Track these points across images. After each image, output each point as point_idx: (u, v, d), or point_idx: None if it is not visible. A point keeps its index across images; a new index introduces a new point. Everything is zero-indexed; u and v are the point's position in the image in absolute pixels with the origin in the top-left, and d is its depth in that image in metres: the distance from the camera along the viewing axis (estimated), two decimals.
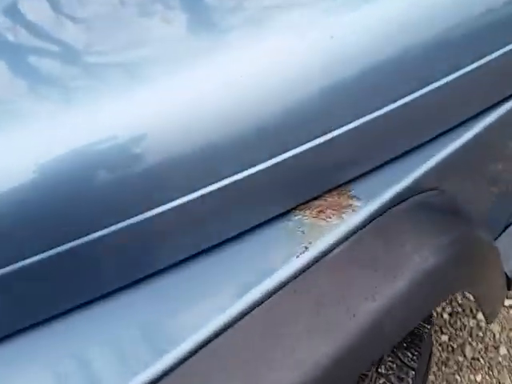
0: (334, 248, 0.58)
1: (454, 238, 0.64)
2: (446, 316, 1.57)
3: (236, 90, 0.52)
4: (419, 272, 0.58)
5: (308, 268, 0.56)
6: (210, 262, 0.58)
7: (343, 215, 0.60)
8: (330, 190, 0.63)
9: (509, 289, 1.09)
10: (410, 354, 0.83)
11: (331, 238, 0.58)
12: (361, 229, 0.60)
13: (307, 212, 0.60)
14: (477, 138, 0.71)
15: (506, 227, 1.06)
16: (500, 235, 1.03)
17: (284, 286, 0.55)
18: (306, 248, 0.57)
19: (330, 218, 0.60)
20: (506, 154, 0.85)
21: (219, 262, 0.58)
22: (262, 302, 0.54)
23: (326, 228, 0.59)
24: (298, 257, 0.56)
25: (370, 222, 0.61)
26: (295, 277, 0.55)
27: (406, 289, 0.57)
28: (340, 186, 0.63)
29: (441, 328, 1.57)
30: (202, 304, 0.54)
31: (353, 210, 0.61)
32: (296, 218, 0.60)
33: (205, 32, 0.57)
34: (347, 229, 0.59)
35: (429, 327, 0.85)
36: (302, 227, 0.59)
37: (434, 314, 1.59)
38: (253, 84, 0.52)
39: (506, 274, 1.02)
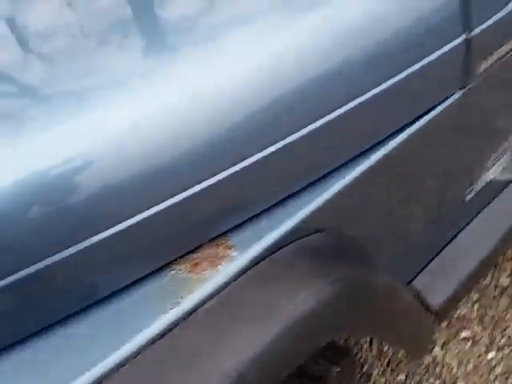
0: (205, 302, 0.57)
1: (334, 281, 0.63)
2: (400, 354, 1.54)
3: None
4: (292, 319, 0.57)
5: (178, 325, 0.55)
6: (85, 323, 0.57)
7: (219, 267, 0.59)
8: (208, 242, 0.62)
9: (439, 322, 1.07)
10: None
11: (203, 291, 0.57)
12: (235, 279, 0.59)
13: (182, 266, 0.60)
14: (363, 176, 0.70)
15: (427, 264, 1.05)
16: (419, 274, 1.02)
17: (152, 343, 0.54)
18: (178, 303, 0.56)
19: (205, 270, 0.59)
20: (408, 192, 0.85)
21: (93, 322, 0.56)
22: (127, 362, 0.52)
23: (200, 282, 0.58)
24: (167, 313, 0.55)
25: (246, 271, 0.60)
26: (163, 334, 0.54)
27: (276, 338, 0.55)
28: (219, 236, 0.63)
29: (397, 365, 1.54)
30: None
31: (229, 261, 0.60)
32: (171, 273, 0.59)
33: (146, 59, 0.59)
34: (221, 281, 0.58)
35: (338, 369, 0.83)
36: (176, 282, 0.58)
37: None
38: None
39: (431, 308, 1.01)
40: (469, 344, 1.57)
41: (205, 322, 0.55)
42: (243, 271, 0.59)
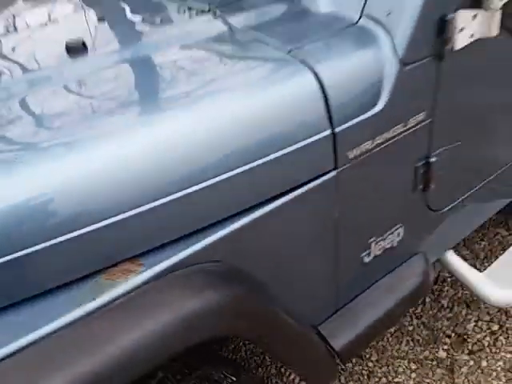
0: (114, 301, 0.81)
1: (220, 294, 0.86)
2: None
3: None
4: (177, 314, 0.80)
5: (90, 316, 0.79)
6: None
7: (128, 277, 0.84)
8: (125, 260, 0.87)
9: (343, 363, 1.26)
10: None
11: (113, 293, 0.81)
12: (139, 287, 0.83)
13: (103, 275, 0.85)
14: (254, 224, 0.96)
15: (337, 310, 1.27)
16: (327, 320, 1.23)
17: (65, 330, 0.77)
18: (94, 299, 0.81)
19: (118, 279, 0.84)
20: (300, 247, 1.10)
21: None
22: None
23: (112, 286, 0.82)
24: (80, 307, 0.79)
25: (149, 282, 0.84)
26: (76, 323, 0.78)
27: (162, 327, 0.79)
28: (134, 256, 0.88)
29: None
30: None
31: (136, 274, 0.85)
32: (94, 279, 0.84)
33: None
34: (127, 287, 0.83)
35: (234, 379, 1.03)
36: (96, 286, 0.83)
37: None
38: None
39: (334, 349, 1.21)
40: None
41: (107, 316, 0.79)
42: (147, 282, 0.84)
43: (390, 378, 1.81)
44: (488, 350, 1.88)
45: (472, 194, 1.52)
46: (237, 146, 0.92)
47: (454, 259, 1.61)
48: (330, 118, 1.02)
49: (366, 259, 1.27)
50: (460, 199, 1.48)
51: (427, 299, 2.08)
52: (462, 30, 1.14)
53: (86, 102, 0.95)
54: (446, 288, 2.12)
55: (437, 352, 1.89)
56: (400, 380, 1.80)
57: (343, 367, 1.80)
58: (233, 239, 0.94)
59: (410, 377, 1.81)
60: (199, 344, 0.85)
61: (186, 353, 0.85)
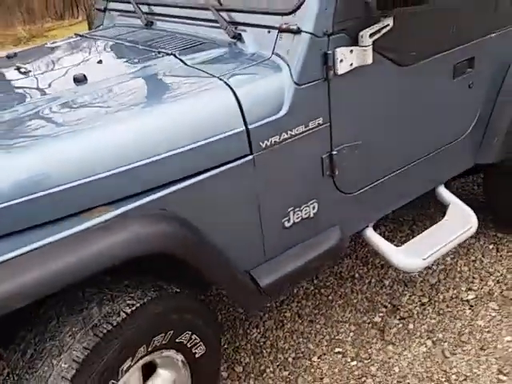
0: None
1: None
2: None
3: None
4: None
5: None
6: None
7: (100, 214, 1.33)
8: (101, 205, 1.36)
9: (268, 296, 1.71)
10: None
11: (86, 224, 1.31)
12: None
13: (83, 213, 1.33)
14: None
15: (266, 261, 1.73)
16: (260, 265, 1.70)
17: None
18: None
19: (92, 215, 1.33)
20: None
21: None
22: None
23: (88, 219, 1.31)
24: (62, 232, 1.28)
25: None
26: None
27: None
28: (108, 203, 1.37)
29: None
30: None
31: (106, 213, 1.34)
32: (77, 216, 1.32)
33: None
34: (98, 220, 1.32)
35: None
36: (77, 220, 1.32)
37: None
38: None
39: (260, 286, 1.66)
40: (340, 356, 2.13)
41: (76, 235, 1.29)
42: (114, 217, 1.33)
43: (333, 336, 2.22)
44: (416, 316, 2.29)
45: (381, 183, 1.98)
46: (180, 133, 1.43)
47: (371, 234, 2.06)
48: (244, 119, 1.52)
49: (287, 224, 1.74)
50: (368, 186, 1.94)
51: (372, 279, 2.51)
52: (341, 61, 1.64)
53: (81, 109, 1.50)
54: (390, 271, 2.54)
55: (373, 318, 2.30)
56: (340, 337, 2.22)
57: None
58: (176, 196, 1.43)
59: (348, 335, 2.22)
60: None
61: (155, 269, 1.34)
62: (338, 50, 1.62)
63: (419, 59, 1.90)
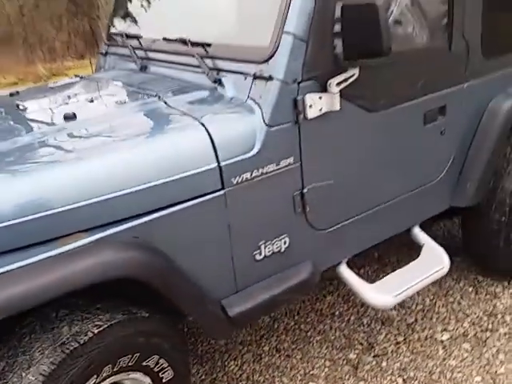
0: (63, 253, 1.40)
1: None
2: None
3: None
4: None
5: None
6: None
7: (76, 241, 1.43)
8: (77, 231, 1.47)
9: (236, 327, 1.77)
10: None
11: (63, 248, 1.41)
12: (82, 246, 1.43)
13: (60, 239, 1.44)
14: None
15: (237, 292, 1.81)
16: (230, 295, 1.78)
17: None
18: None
19: (69, 241, 1.43)
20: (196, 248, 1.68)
21: None
22: None
23: (63, 244, 1.42)
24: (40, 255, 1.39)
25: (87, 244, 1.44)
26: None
27: None
28: (83, 230, 1.47)
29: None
30: None
31: (82, 239, 1.44)
32: (56, 241, 1.43)
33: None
34: (73, 246, 1.42)
35: None
36: (55, 244, 1.42)
37: None
38: None
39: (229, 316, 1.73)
40: None
41: (51, 259, 1.39)
42: (88, 243, 1.43)
43: (308, 371, 2.26)
44: (390, 354, 2.32)
45: (354, 221, 2.06)
46: (155, 168, 1.55)
47: (344, 270, 2.13)
48: (217, 156, 1.63)
49: (258, 257, 1.82)
50: (341, 224, 2.03)
51: (352, 317, 2.56)
52: (311, 106, 1.76)
53: (66, 144, 1.63)
54: (369, 310, 2.59)
55: (348, 354, 2.34)
56: (315, 373, 2.25)
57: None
58: (150, 226, 1.53)
59: (322, 371, 2.26)
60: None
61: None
62: (307, 96, 1.75)
63: (388, 106, 2.02)
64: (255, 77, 1.76)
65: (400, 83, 2.04)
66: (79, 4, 13.77)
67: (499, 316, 2.51)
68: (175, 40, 2.08)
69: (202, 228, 1.66)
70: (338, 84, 1.78)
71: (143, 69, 2.24)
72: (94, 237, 1.45)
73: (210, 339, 2.46)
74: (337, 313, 2.61)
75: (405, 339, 2.40)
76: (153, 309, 1.60)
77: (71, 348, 1.35)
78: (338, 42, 1.76)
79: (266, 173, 1.75)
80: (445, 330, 2.45)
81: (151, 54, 2.25)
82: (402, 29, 2.00)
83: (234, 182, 1.68)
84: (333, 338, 2.44)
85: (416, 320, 2.52)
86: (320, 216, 1.95)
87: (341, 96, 1.82)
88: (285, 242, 1.88)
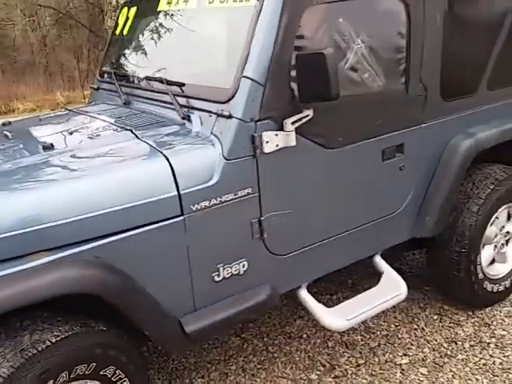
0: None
1: None
2: None
3: None
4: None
5: None
6: None
7: (40, 258, 1.58)
8: (41, 250, 1.61)
9: (192, 342, 1.89)
10: None
11: (29, 264, 1.55)
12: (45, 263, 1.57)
13: (27, 256, 1.59)
14: None
15: (196, 310, 1.93)
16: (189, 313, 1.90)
17: None
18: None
19: (34, 259, 1.58)
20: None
21: None
22: None
23: (29, 261, 1.56)
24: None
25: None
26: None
27: None
28: (47, 249, 1.62)
29: None
30: None
31: (45, 257, 1.59)
32: (22, 258, 1.58)
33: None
34: (38, 263, 1.57)
35: None
36: (21, 261, 1.57)
37: None
38: None
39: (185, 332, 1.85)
40: None
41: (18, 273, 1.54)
42: (51, 261, 1.58)
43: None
44: (349, 376, 2.41)
45: (313, 248, 2.19)
46: (117, 194, 1.70)
47: (304, 294, 2.25)
48: (177, 185, 1.78)
49: (217, 278, 1.95)
50: (300, 250, 2.15)
51: (318, 340, 2.65)
52: (267, 142, 1.92)
53: (40, 171, 1.82)
54: (335, 334, 2.68)
55: (310, 375, 2.43)
56: None
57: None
58: (111, 247, 1.68)
59: None
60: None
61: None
62: (264, 133, 1.91)
63: (347, 143, 2.16)
64: (218, 115, 1.92)
65: (357, 123, 2.19)
66: (100, 35, 14.26)
67: (459, 343, 2.59)
68: (154, 79, 2.27)
69: (161, 250, 1.81)
70: (293, 123, 1.94)
71: (127, 104, 2.42)
72: (56, 255, 1.60)
73: (180, 357, 2.57)
74: (304, 336, 2.70)
75: (365, 362, 2.49)
76: (113, 324, 1.74)
77: (30, 354, 1.49)
78: (295, 86, 1.92)
79: (225, 201, 1.89)
80: (405, 354, 2.53)
81: (134, 91, 2.44)
82: (359, 74, 2.15)
83: (194, 209, 1.83)
84: (298, 359, 2.54)
85: (379, 344, 2.61)
86: (278, 242, 2.08)
87: (298, 133, 1.98)
88: (243, 266, 2.01)
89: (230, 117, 1.88)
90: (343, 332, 2.70)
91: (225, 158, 1.87)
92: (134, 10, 2.65)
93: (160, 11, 2.42)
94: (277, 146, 1.94)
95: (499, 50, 2.62)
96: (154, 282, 1.80)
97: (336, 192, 2.21)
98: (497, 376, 2.36)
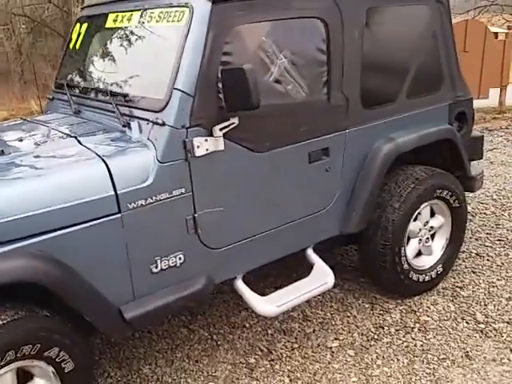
0: None
1: None
2: None
3: None
4: None
5: None
6: None
7: None
8: None
9: (132, 328, 2.08)
10: None
11: None
12: None
13: None
14: None
15: (135, 298, 2.12)
16: (129, 302, 2.09)
17: None
18: None
19: None
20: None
21: None
22: None
23: None
24: None
25: None
26: None
27: None
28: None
29: None
30: None
31: None
32: None
33: None
34: None
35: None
36: None
37: None
38: None
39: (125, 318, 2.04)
40: None
41: None
42: None
43: (210, 373, 2.56)
44: (284, 359, 2.63)
45: (246, 242, 2.40)
46: (58, 194, 1.89)
47: (239, 284, 2.46)
48: (114, 185, 1.98)
49: (155, 270, 2.15)
50: (234, 244, 2.36)
51: (259, 328, 2.86)
52: (198, 146, 2.13)
53: None
54: (275, 322, 2.90)
55: (249, 359, 2.64)
56: (216, 374, 2.55)
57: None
58: (54, 242, 1.86)
59: (223, 373, 2.56)
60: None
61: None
62: (195, 139, 2.12)
63: (273, 148, 2.39)
64: (153, 123, 2.13)
65: (283, 129, 2.41)
66: None
67: (386, 328, 2.83)
68: (100, 90, 2.46)
69: (101, 244, 1.99)
70: (221, 129, 2.15)
71: (77, 113, 2.60)
72: (4, 248, 1.77)
73: (131, 347, 2.75)
74: (247, 325, 2.91)
75: (299, 346, 2.71)
76: (58, 310, 1.91)
77: None
78: (222, 97, 2.14)
79: (160, 200, 2.09)
80: (336, 339, 2.76)
81: (84, 101, 2.62)
82: (283, 86, 2.38)
83: (130, 207, 2.02)
84: (239, 346, 2.74)
85: (314, 331, 2.83)
86: (213, 237, 2.28)
87: (228, 139, 2.20)
88: (180, 258, 2.21)
89: (163, 124, 2.08)
90: (283, 320, 2.92)
91: (159, 162, 2.07)
92: (85, 26, 2.84)
93: (107, 28, 2.61)
94: (207, 150, 2.15)
95: (417, 62, 2.89)
96: (96, 273, 1.99)
97: (266, 191, 2.43)
98: (416, 356, 2.60)
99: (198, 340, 2.81)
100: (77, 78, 2.79)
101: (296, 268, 3.26)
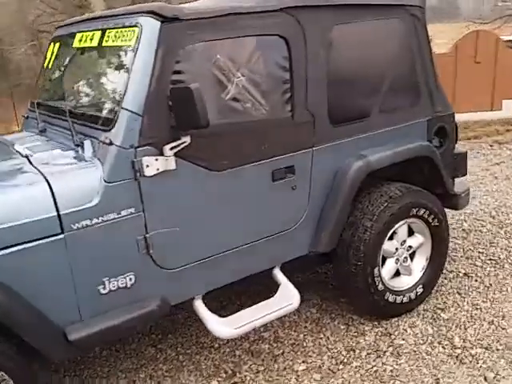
0: None
1: None
2: None
3: None
4: None
5: None
6: None
7: None
8: None
9: (78, 349, 2.04)
10: None
11: None
12: None
13: None
14: None
15: (82, 320, 2.08)
16: (75, 323, 2.05)
17: None
18: None
19: None
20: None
21: None
22: None
23: None
24: None
25: None
26: None
27: None
28: None
29: None
30: None
31: None
32: None
33: None
34: None
35: None
36: None
37: None
38: None
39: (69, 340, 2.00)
40: None
41: None
42: None
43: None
44: (248, 382, 2.55)
45: (204, 262, 2.34)
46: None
47: (198, 304, 2.39)
48: (56, 205, 1.95)
49: (103, 291, 2.10)
50: (190, 264, 2.30)
51: (227, 349, 2.79)
52: (148, 166, 2.09)
53: None
54: (244, 344, 2.82)
55: (211, 381, 2.56)
56: None
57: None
58: None
59: None
60: None
61: None
62: (144, 158, 2.08)
63: (232, 166, 2.33)
64: (102, 142, 2.10)
65: (242, 147, 2.35)
66: None
67: (357, 351, 2.72)
68: (61, 109, 2.45)
69: (44, 265, 1.96)
70: (172, 148, 2.11)
71: (42, 131, 2.61)
72: None
73: (97, 365, 2.71)
74: (216, 345, 2.84)
75: (265, 369, 2.62)
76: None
77: None
78: (172, 116, 2.10)
79: (107, 220, 2.05)
80: (304, 361, 2.66)
81: (50, 120, 2.62)
82: (241, 103, 2.33)
83: (74, 228, 1.99)
84: (204, 367, 2.67)
85: (283, 352, 2.74)
86: (167, 257, 2.23)
87: (181, 157, 2.15)
88: (130, 279, 2.16)
89: (110, 144, 2.06)
90: (253, 341, 2.84)
91: (105, 181, 2.04)
92: (57, 45, 2.85)
93: (74, 48, 2.62)
94: (157, 169, 2.11)
95: (390, 78, 2.80)
96: (39, 294, 1.96)
97: (225, 210, 2.37)
98: (384, 382, 2.49)
99: (164, 360, 2.75)
100: (46, 97, 2.80)
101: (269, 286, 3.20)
